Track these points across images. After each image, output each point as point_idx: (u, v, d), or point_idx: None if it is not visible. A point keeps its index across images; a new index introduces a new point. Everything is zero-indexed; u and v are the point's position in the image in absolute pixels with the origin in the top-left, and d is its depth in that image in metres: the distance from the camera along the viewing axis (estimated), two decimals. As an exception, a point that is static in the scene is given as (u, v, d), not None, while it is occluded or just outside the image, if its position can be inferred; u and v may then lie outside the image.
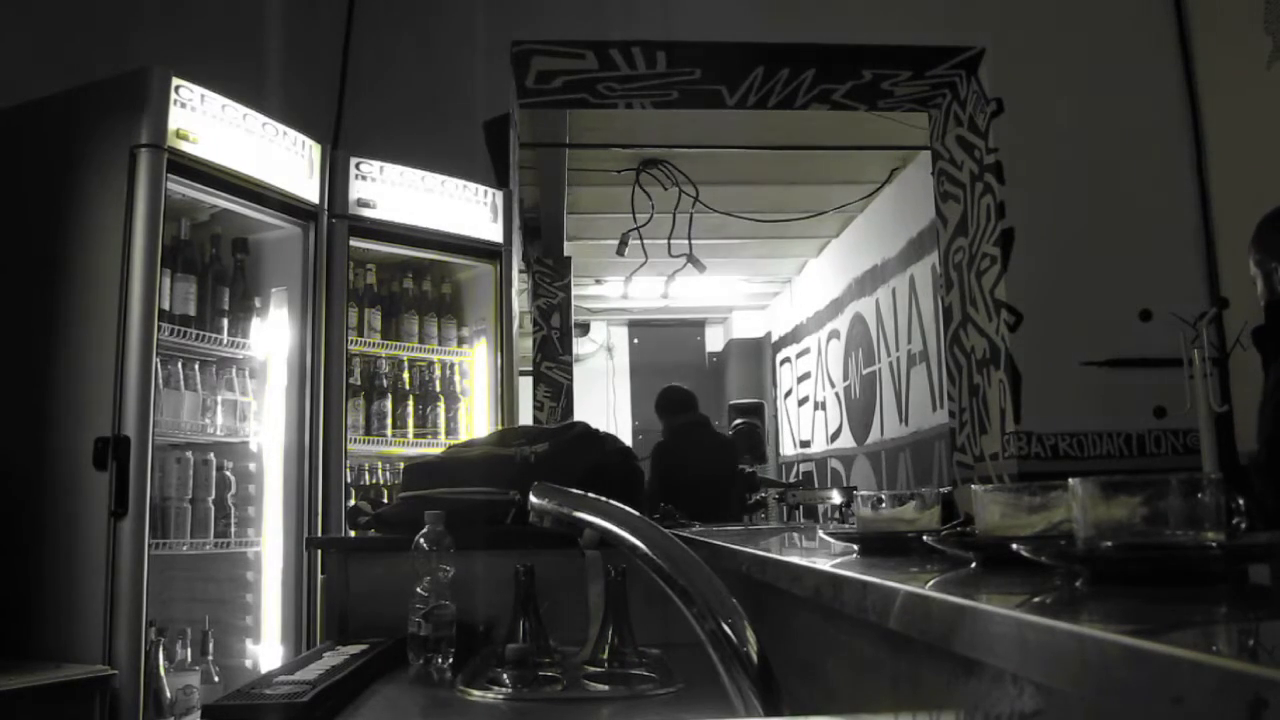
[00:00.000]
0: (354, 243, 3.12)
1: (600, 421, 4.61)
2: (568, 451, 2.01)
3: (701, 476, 4.75)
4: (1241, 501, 0.67)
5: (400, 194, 3.22)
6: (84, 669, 2.18)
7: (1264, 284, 2.07)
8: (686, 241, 6.64)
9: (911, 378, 5.96)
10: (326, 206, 3.03)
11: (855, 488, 6.22)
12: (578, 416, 5.80)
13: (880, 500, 1.11)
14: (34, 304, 2.49)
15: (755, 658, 0.86)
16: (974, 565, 0.85)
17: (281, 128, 2.85)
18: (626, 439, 5.53)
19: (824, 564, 0.97)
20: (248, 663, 2.85)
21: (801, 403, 8.62)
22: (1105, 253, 3.63)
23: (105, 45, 2.96)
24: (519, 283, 3.88)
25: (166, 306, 2.62)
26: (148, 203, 2.41)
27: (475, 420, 3.52)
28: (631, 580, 1.57)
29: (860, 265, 6.91)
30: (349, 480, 3.03)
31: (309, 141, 2.97)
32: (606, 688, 1.44)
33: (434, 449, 3.20)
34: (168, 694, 2.39)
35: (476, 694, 1.36)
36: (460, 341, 3.58)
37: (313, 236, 2.99)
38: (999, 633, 0.56)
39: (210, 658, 2.59)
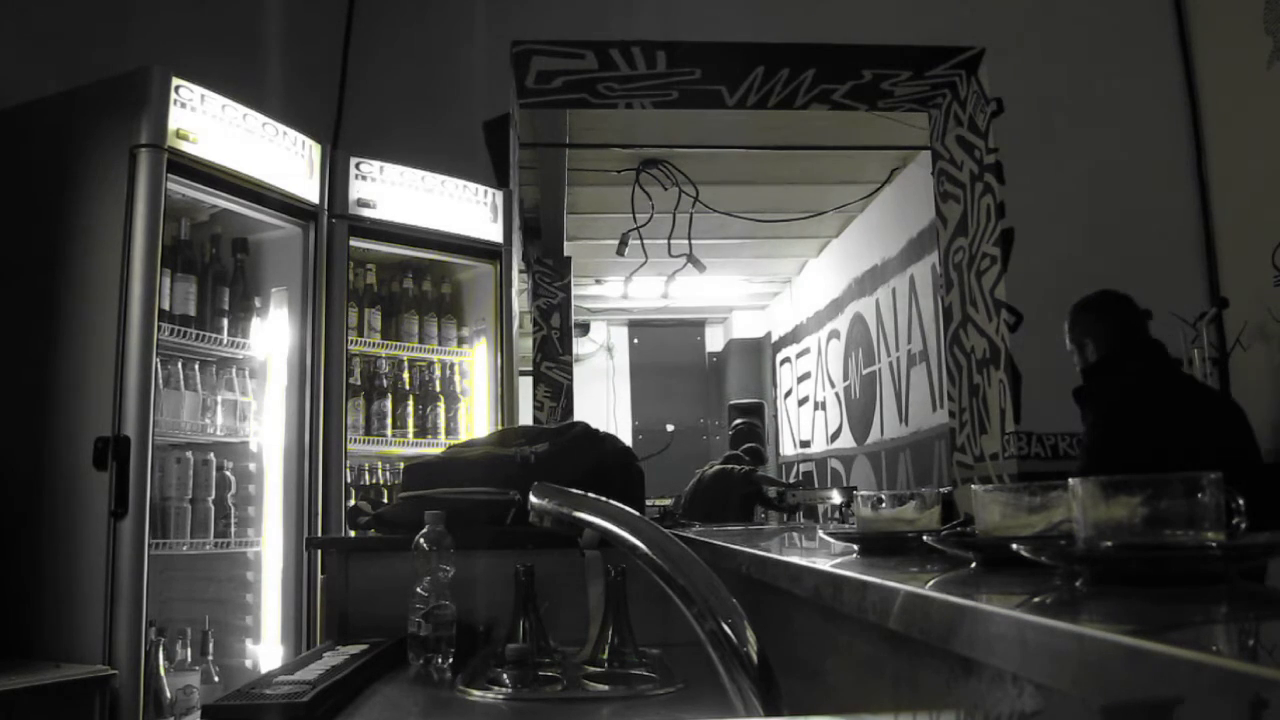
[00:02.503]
0: (354, 243, 3.12)
1: (600, 421, 4.61)
2: (568, 451, 2.01)
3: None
4: (1241, 501, 0.67)
5: (400, 194, 3.22)
6: (84, 669, 2.18)
7: (1079, 356, 2.75)
8: (686, 241, 6.63)
9: (911, 378, 5.95)
10: (326, 206, 3.03)
11: (855, 488, 6.22)
12: (578, 416, 5.80)
13: (880, 500, 1.11)
14: (34, 304, 2.49)
15: (755, 658, 0.86)
16: (974, 565, 0.85)
17: (281, 128, 2.85)
18: (626, 439, 5.53)
19: (824, 564, 0.97)
20: (248, 663, 2.85)
21: (801, 403, 8.62)
22: (1105, 253, 3.63)
23: (105, 45, 2.96)
24: (519, 283, 3.88)
25: (166, 306, 2.62)
26: (148, 203, 2.41)
27: (475, 420, 3.52)
28: (631, 580, 1.57)
29: (860, 265, 6.91)
30: (349, 480, 3.03)
31: (309, 141, 2.97)
32: (606, 688, 1.44)
33: (434, 449, 3.19)
34: (168, 694, 2.39)
35: (476, 694, 1.36)
36: (460, 341, 3.58)
37: (313, 236, 2.99)
38: (999, 633, 0.56)
39: (210, 658, 2.58)
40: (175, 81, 2.50)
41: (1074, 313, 2.80)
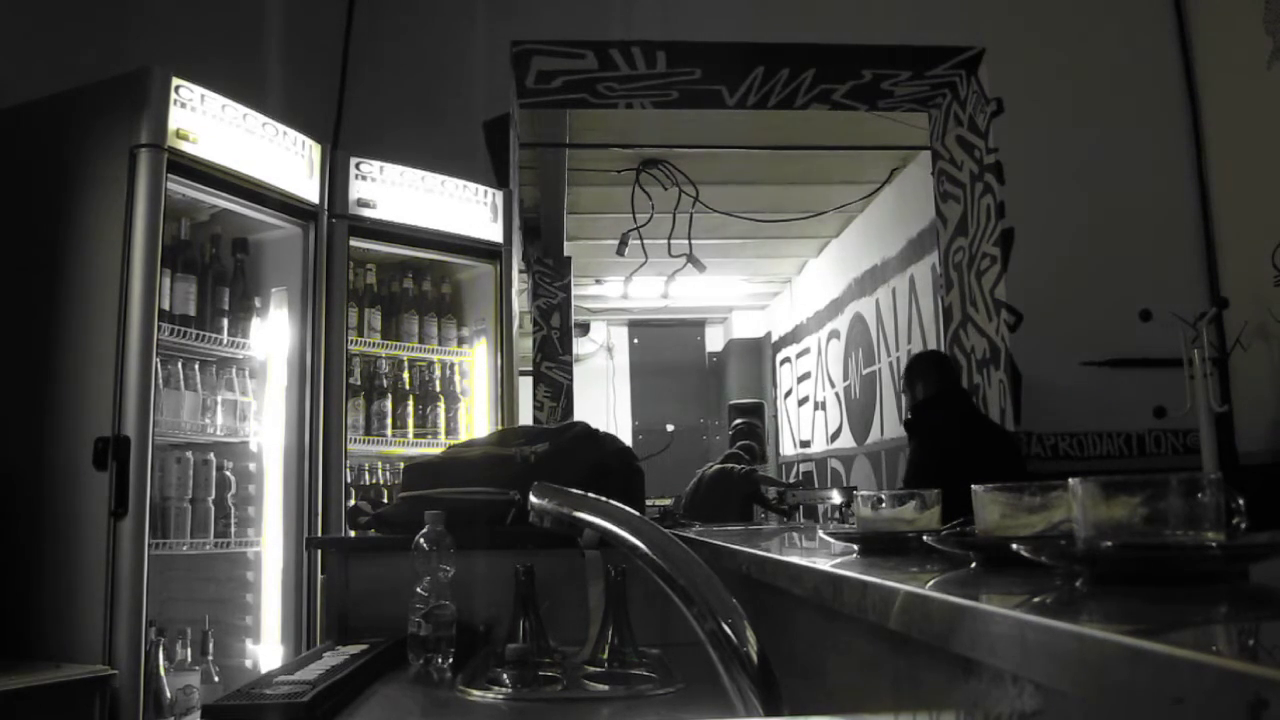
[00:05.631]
0: (354, 243, 3.12)
1: (600, 421, 4.61)
2: (568, 451, 2.01)
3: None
4: (1241, 501, 0.67)
5: (400, 194, 3.22)
6: (84, 669, 2.18)
7: (909, 396, 3.49)
8: (686, 241, 6.63)
9: (911, 378, 5.94)
10: (326, 206, 3.03)
11: (855, 488, 6.21)
12: (578, 416, 5.80)
13: (880, 500, 1.11)
14: (34, 304, 2.49)
15: (755, 658, 0.86)
16: (974, 565, 0.85)
17: (281, 128, 2.85)
18: (626, 439, 5.53)
19: (824, 564, 0.97)
20: (248, 663, 2.85)
21: (801, 403, 8.62)
22: (1105, 253, 3.63)
23: (105, 45, 2.96)
24: (519, 283, 3.88)
25: (166, 306, 2.62)
26: (148, 203, 2.41)
27: (475, 420, 3.52)
28: (631, 580, 1.57)
29: (860, 265, 6.91)
30: (349, 480, 3.03)
31: (309, 141, 2.97)
32: (606, 688, 1.44)
33: (434, 449, 3.19)
34: (168, 694, 2.39)
35: (476, 694, 1.36)
36: (460, 341, 3.58)
37: (313, 236, 2.99)
38: (999, 633, 0.56)
39: (210, 658, 2.58)
40: (175, 81, 2.50)
41: (908, 364, 3.60)
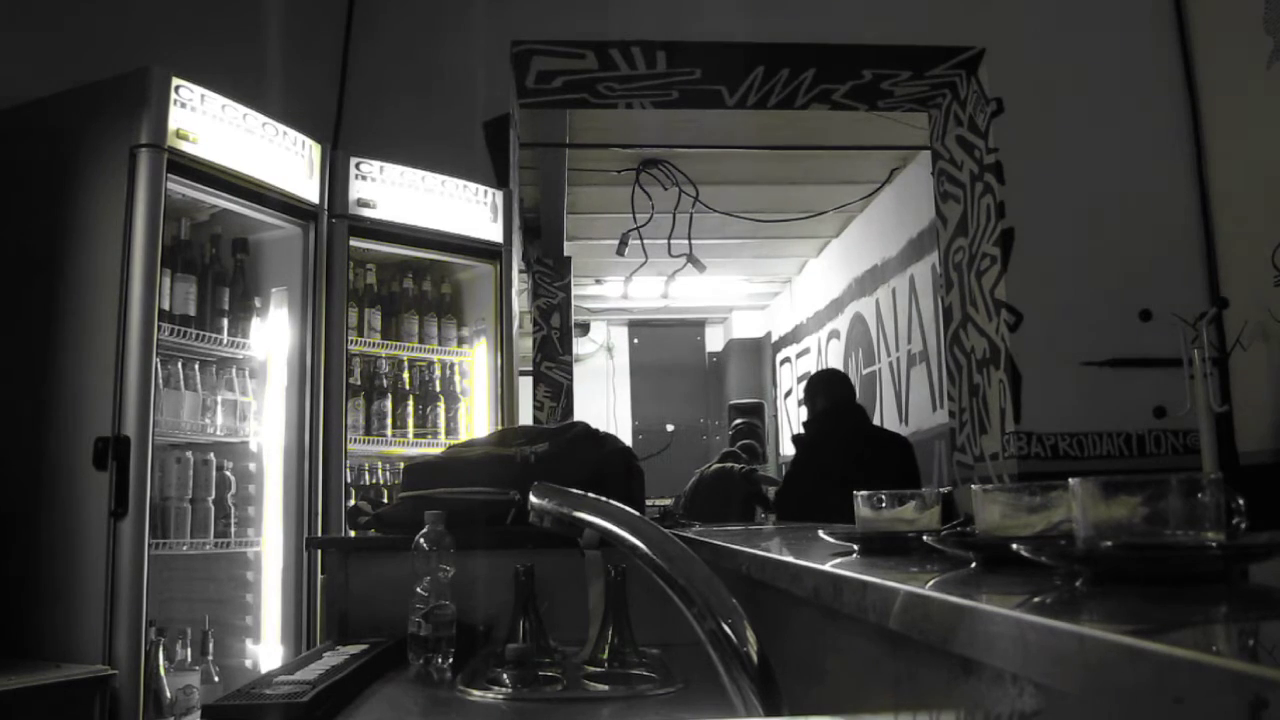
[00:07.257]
0: (354, 243, 3.12)
1: (600, 421, 4.61)
2: (568, 451, 2.01)
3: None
4: (1241, 501, 0.67)
5: (400, 194, 3.22)
6: (84, 669, 2.18)
7: (809, 408, 3.90)
8: (686, 241, 6.63)
9: (911, 378, 5.95)
10: (326, 206, 3.03)
11: (855, 488, 6.19)
12: (578, 416, 5.80)
13: (880, 500, 1.11)
14: (34, 304, 2.49)
15: (755, 658, 0.86)
16: (974, 565, 0.85)
17: (281, 127, 2.85)
18: (626, 439, 5.53)
19: (824, 564, 0.97)
20: (248, 663, 2.85)
21: (801, 403, 8.61)
22: (1105, 253, 3.63)
23: (105, 45, 2.95)
24: (519, 283, 3.88)
25: (166, 306, 2.62)
26: (148, 203, 2.41)
27: (475, 420, 3.52)
28: (631, 580, 1.57)
29: (860, 265, 6.91)
30: (349, 480, 3.03)
31: (309, 141, 2.97)
32: (606, 688, 1.44)
33: (434, 449, 3.20)
34: (168, 694, 2.39)
35: (476, 694, 1.36)
36: (460, 341, 3.58)
37: (313, 236, 2.99)
38: (999, 633, 0.56)
39: (210, 658, 2.59)
40: (175, 81, 2.50)
41: (808, 380, 4.03)
